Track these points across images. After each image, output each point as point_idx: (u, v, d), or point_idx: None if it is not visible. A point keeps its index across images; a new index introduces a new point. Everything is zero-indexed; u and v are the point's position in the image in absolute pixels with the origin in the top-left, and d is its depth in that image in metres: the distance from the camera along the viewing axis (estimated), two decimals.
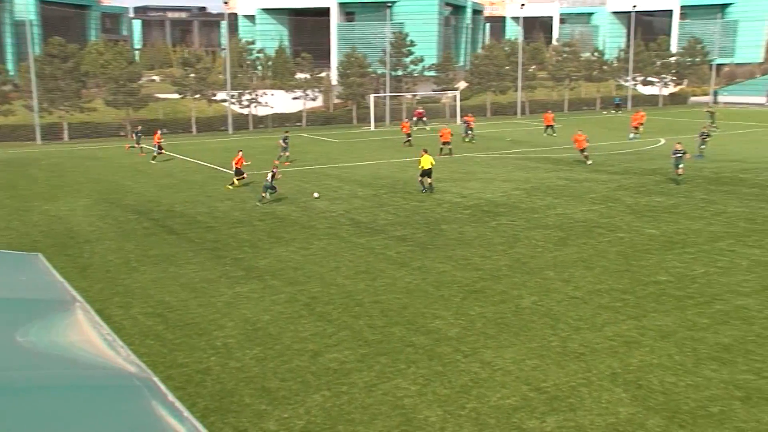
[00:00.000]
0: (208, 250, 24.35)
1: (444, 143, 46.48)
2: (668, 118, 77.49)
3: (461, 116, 65.15)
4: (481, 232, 26.20)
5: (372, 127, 70.28)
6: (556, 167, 42.11)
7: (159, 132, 50.20)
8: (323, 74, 78.58)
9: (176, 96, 70.79)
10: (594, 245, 24.20)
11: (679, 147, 33.53)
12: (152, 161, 46.37)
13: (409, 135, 52.07)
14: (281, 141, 44.78)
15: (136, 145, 51.35)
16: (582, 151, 42.60)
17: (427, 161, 33.11)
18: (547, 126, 57.78)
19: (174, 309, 18.38)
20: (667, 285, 19.92)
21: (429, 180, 32.95)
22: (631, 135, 53.43)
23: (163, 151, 47.69)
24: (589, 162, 42.01)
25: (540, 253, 23.26)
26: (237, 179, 36.28)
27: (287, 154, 44.37)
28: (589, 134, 57.11)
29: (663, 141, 53.96)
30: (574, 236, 25.44)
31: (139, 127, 56.60)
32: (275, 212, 30.44)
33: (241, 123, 70.26)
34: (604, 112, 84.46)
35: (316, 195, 32.50)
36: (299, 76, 76.14)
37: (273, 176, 31.60)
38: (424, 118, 68.23)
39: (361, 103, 76.54)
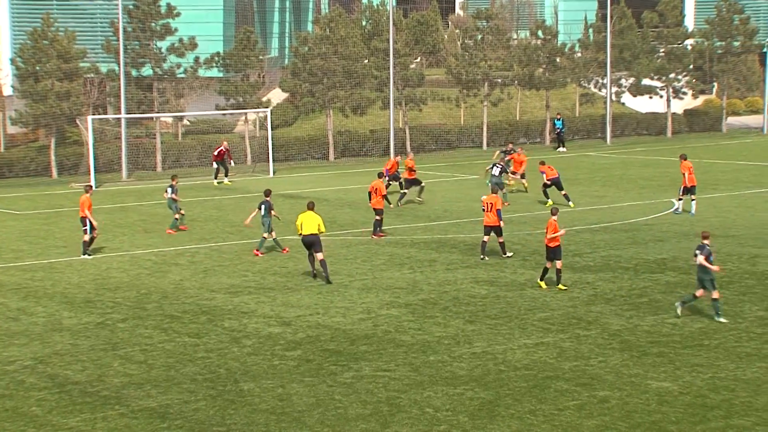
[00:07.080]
0: None
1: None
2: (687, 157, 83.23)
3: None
4: (323, 395, 27.31)
5: (93, 185, 68.22)
6: (468, 260, 44.45)
7: None
8: None
9: None
10: (552, 416, 25.33)
11: (706, 242, 36.01)
12: None
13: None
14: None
15: None
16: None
17: (310, 222, 38.79)
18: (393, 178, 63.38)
19: None
20: None
21: (319, 256, 38.91)
22: (677, 205, 57.10)
23: None
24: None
25: None
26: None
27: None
28: (536, 193, 63.71)
29: (677, 205, 57.23)
30: (511, 399, 26.76)
31: None
32: None
33: None
34: (561, 149, 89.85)
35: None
36: None
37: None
38: (231, 162, 73.80)
39: (69, 133, 77.49)
